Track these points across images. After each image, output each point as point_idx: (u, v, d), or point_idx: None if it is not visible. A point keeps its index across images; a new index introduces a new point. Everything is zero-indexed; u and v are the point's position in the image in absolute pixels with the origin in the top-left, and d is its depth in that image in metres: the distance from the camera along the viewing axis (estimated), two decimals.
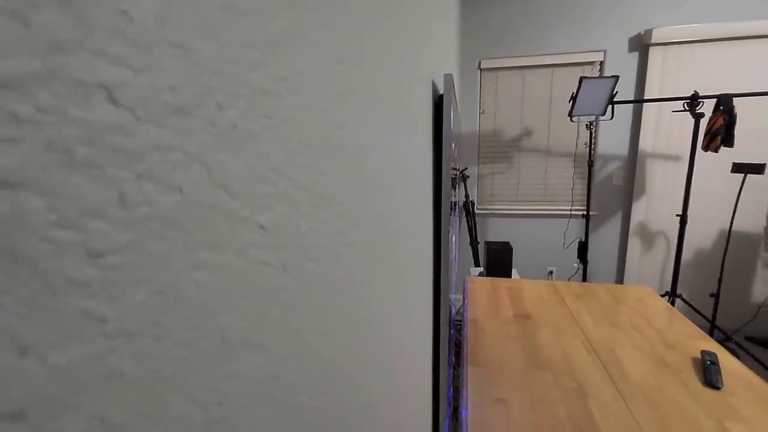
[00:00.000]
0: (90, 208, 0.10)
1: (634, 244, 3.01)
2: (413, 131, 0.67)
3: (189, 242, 0.13)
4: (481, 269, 2.92)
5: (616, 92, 2.37)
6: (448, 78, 0.94)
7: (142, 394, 0.12)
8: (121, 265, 0.11)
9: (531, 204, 3.18)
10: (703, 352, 1.22)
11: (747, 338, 2.77)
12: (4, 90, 0.08)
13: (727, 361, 1.23)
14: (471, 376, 1.21)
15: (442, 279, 1.05)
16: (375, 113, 0.40)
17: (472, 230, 3.10)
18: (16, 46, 0.08)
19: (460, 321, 2.64)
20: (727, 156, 2.68)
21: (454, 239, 1.34)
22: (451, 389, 1.68)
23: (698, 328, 1.45)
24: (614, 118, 2.86)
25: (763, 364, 2.44)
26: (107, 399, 0.11)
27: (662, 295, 2.45)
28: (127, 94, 0.11)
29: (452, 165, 0.97)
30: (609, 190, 3.03)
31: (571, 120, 2.52)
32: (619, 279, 3.13)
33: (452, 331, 1.66)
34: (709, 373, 1.14)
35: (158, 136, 0.12)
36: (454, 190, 1.21)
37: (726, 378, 1.15)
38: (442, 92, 1.09)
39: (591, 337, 1.42)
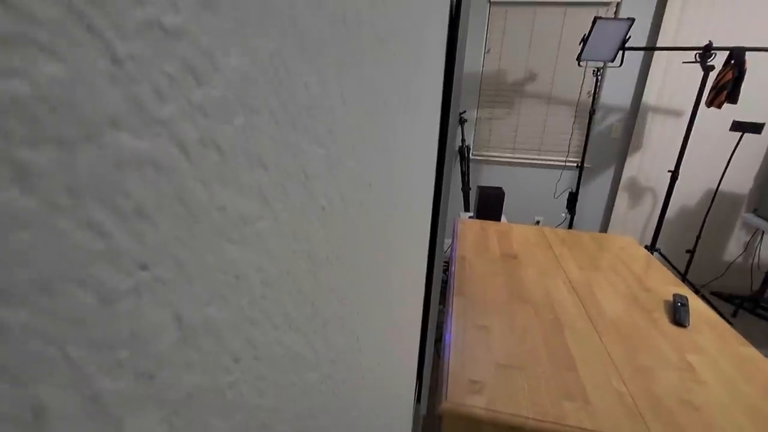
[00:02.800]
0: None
1: (622, 198, 3.06)
2: (429, 52, 0.63)
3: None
4: (471, 214, 2.97)
5: (629, 37, 2.27)
6: None
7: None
8: None
9: (527, 153, 3.16)
10: (675, 295, 1.30)
11: (713, 293, 2.94)
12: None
13: (696, 304, 1.32)
14: (456, 305, 1.28)
15: (440, 219, 1.06)
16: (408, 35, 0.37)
17: (465, 175, 3.09)
18: None
19: (446, 262, 2.72)
20: (726, 114, 2.66)
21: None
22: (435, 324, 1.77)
23: (673, 276, 1.53)
24: (623, 65, 2.77)
25: (723, 316, 2.63)
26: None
27: None
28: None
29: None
30: (606, 143, 3.01)
31: (579, 64, 2.43)
32: (603, 231, 3.23)
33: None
34: (678, 313, 1.22)
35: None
36: None
37: (693, 318, 1.23)
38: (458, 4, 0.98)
39: (572, 278, 1.49)
